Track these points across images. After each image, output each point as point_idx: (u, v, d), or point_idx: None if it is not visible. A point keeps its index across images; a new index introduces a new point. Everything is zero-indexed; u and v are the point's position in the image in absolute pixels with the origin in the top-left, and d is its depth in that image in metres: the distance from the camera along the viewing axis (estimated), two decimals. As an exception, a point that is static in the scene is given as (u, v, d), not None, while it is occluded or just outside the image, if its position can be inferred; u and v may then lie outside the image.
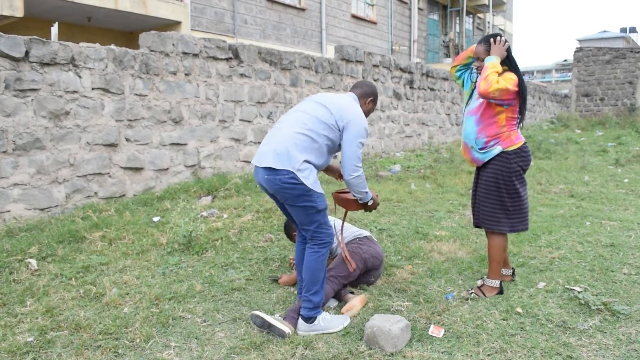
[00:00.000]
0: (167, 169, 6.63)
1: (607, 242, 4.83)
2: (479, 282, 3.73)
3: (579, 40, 52.97)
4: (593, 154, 11.64)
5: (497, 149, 3.45)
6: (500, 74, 3.39)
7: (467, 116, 3.59)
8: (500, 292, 3.58)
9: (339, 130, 3.10)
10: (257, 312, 3.08)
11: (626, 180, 8.42)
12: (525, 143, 3.52)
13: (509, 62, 3.50)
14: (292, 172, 2.94)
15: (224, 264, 4.23)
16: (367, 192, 3.26)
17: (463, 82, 3.81)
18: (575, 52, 22.08)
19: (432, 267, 4.14)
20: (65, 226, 4.92)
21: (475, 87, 3.63)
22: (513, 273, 3.85)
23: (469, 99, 3.68)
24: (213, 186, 6.54)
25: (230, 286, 3.75)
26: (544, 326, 3.09)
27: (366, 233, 3.96)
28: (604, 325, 3.09)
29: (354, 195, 3.29)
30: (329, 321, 3.09)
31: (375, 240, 3.98)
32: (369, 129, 10.58)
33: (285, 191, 2.98)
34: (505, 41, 3.50)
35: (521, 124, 3.56)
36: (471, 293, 3.57)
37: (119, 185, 6.08)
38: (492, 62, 3.40)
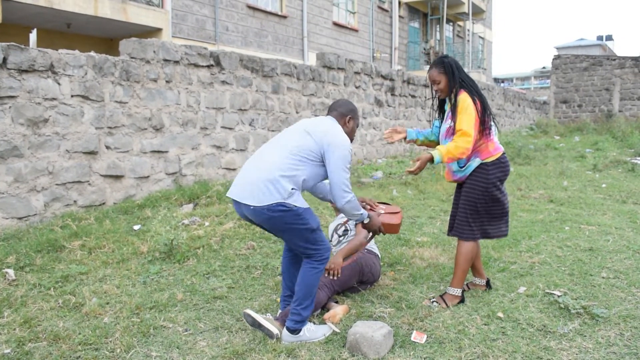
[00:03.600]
0: (148, 176, 6.57)
1: (586, 246, 4.90)
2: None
3: (557, 48, 53.77)
4: (571, 159, 11.82)
5: (476, 162, 3.48)
6: (455, 95, 3.44)
7: (443, 140, 3.60)
8: (462, 300, 3.55)
9: (322, 158, 3.00)
10: (248, 311, 3.08)
11: (604, 185, 8.56)
12: (503, 154, 3.53)
13: (460, 81, 3.47)
14: (282, 202, 2.82)
15: (205, 272, 4.20)
16: (361, 213, 3.17)
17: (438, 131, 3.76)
18: (553, 59, 22.43)
19: (414, 273, 4.15)
20: (43, 235, 4.84)
21: (444, 113, 3.65)
22: (487, 283, 3.83)
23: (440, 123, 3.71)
24: (194, 194, 6.50)
25: (212, 294, 3.73)
26: (525, 330, 3.12)
27: (377, 252, 4.01)
28: (583, 329, 3.13)
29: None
30: (314, 332, 3.06)
31: (379, 261, 4.01)
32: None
33: (274, 220, 2.86)
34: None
35: (497, 129, 3.59)
36: (433, 301, 3.55)
37: (99, 194, 6.01)
38: (442, 153, 3.34)
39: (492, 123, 3.53)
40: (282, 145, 3.01)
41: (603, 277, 4.06)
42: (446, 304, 3.50)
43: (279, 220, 2.87)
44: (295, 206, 2.86)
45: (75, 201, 5.77)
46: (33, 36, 7.50)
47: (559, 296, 3.59)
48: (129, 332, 3.11)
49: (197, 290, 3.82)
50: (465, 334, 3.06)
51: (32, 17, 10.51)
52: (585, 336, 3.05)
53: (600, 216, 6.28)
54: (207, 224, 5.46)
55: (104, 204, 6.06)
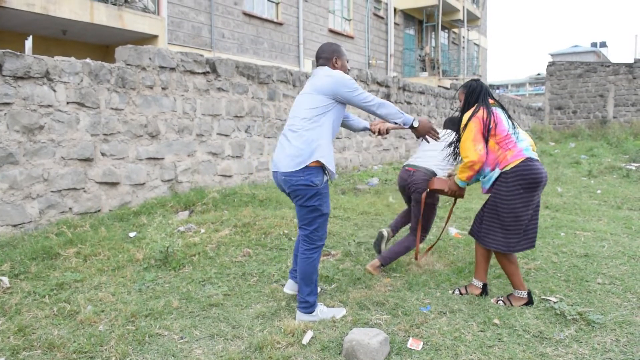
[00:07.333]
0: (144, 183, 6.56)
1: (582, 252, 4.90)
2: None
3: (551, 55, 54.10)
4: (566, 165, 11.86)
5: (496, 172, 3.53)
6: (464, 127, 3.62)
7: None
8: (529, 302, 3.59)
9: (335, 98, 3.31)
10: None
11: (599, 191, 8.59)
12: (525, 160, 3.45)
13: (468, 104, 3.74)
14: (309, 170, 3.21)
15: (201, 280, 4.19)
16: (402, 114, 3.45)
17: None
18: (548, 66, 22.55)
19: (410, 280, 4.15)
20: (38, 242, 4.82)
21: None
22: (484, 288, 3.83)
23: None
24: (190, 201, 6.49)
25: (208, 302, 3.71)
26: (521, 337, 3.12)
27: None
28: (579, 335, 3.13)
29: (395, 123, 3.49)
30: (326, 313, 3.40)
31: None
32: (347, 142, 10.62)
33: (298, 192, 3.26)
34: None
35: (519, 138, 3.56)
36: (498, 300, 3.65)
37: (95, 201, 5.99)
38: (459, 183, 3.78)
39: (515, 132, 3.55)
40: (296, 116, 3.37)
41: (599, 283, 4.06)
42: (511, 304, 3.59)
43: (302, 193, 3.26)
44: (317, 185, 3.26)
45: (70, 208, 5.75)
46: (29, 43, 7.49)
47: (554, 302, 3.59)
48: (124, 340, 3.09)
49: (193, 297, 3.80)
50: (461, 341, 3.06)
51: (27, 24, 10.51)
52: (581, 342, 3.05)
53: (595, 222, 6.30)
54: (202, 231, 5.45)
55: (99, 211, 6.04)
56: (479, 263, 3.82)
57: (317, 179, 3.24)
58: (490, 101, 3.67)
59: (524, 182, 3.43)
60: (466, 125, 3.57)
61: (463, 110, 3.75)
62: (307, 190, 3.24)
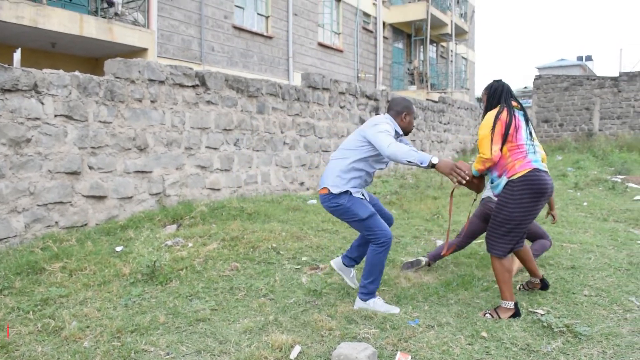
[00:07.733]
0: (131, 197, 6.52)
1: (568, 264, 4.94)
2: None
3: (538, 68, 54.67)
4: (553, 178, 11.94)
5: (504, 180, 3.59)
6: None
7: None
8: (516, 314, 3.62)
9: (368, 143, 3.65)
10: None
11: (585, 203, 8.66)
12: (533, 170, 3.51)
13: (490, 106, 3.78)
14: (331, 195, 3.69)
15: (188, 294, 4.16)
16: (415, 151, 3.38)
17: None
18: (534, 79, 22.82)
19: (398, 293, 4.15)
20: (23, 257, 4.77)
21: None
22: (542, 282, 4.05)
23: None
24: (178, 214, 6.45)
25: (195, 317, 3.68)
26: (509, 350, 3.13)
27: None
28: (566, 347, 3.15)
29: (409, 163, 3.41)
30: (380, 305, 3.73)
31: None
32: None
33: (334, 213, 3.78)
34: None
35: (535, 149, 3.62)
36: (486, 314, 3.65)
37: (81, 214, 5.94)
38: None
39: (529, 143, 3.59)
40: (338, 149, 3.88)
41: (585, 295, 4.09)
42: (499, 316, 3.60)
43: (336, 213, 3.77)
44: (342, 203, 3.68)
45: (56, 222, 5.70)
46: (17, 55, 7.45)
47: (542, 315, 3.61)
48: (110, 357, 3.06)
49: (180, 312, 3.77)
50: (449, 354, 3.06)
51: (16, 37, 10.47)
52: (568, 354, 3.06)
53: (582, 234, 6.35)
54: (190, 245, 5.42)
55: (86, 225, 5.99)
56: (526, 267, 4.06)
57: (341, 199, 3.68)
58: (514, 103, 3.70)
59: (530, 192, 3.49)
60: (491, 126, 3.60)
61: (486, 111, 3.79)
62: (337, 209, 3.73)
